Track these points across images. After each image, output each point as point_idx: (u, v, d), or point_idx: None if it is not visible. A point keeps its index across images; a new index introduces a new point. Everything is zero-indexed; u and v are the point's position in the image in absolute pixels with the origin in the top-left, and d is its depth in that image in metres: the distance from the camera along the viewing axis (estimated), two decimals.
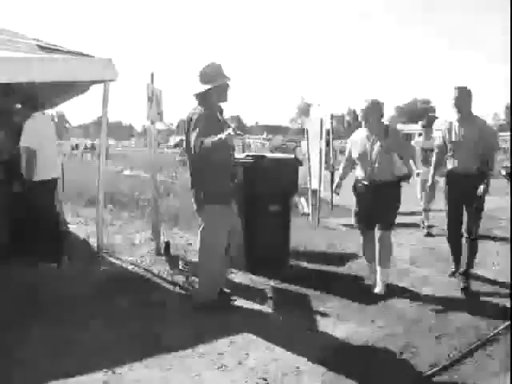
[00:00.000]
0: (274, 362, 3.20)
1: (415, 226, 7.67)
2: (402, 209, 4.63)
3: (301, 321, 3.91)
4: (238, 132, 3.68)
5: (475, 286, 4.76)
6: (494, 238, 6.93)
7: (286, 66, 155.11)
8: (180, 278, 4.89)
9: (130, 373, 3.07)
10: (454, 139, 4.79)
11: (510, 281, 4.75)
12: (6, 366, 3.07)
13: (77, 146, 37.23)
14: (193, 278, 4.83)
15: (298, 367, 3.13)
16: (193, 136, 3.80)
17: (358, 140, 4.67)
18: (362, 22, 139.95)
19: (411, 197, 6.87)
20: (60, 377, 2.98)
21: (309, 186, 8.39)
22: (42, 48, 5.22)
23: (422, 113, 63.63)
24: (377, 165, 4.47)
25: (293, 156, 6.22)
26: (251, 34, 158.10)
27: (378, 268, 4.59)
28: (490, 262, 5.65)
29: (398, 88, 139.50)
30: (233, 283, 4.84)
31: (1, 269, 4.73)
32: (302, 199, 9.25)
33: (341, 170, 5.00)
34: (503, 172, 11.04)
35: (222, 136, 3.56)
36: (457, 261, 4.90)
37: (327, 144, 8.84)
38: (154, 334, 3.59)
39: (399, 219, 4.81)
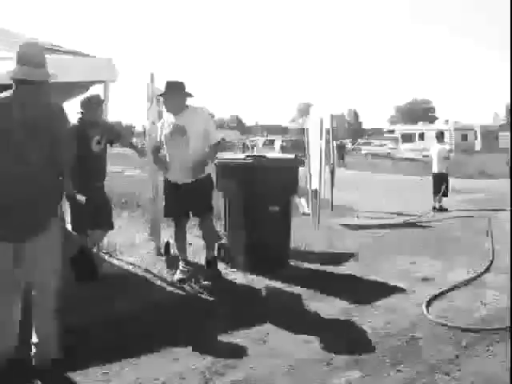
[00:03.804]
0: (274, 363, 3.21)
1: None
2: None
3: (301, 322, 3.91)
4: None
5: (476, 286, 4.77)
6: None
7: (286, 66, 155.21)
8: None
9: (129, 373, 3.06)
10: None
11: (510, 280, 4.75)
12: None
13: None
14: (192, 278, 4.84)
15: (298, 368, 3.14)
16: None
17: None
18: (361, 21, 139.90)
19: None
20: (60, 375, 2.98)
21: (309, 186, 8.39)
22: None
23: (422, 113, 63.58)
24: None
25: (293, 156, 6.22)
26: (251, 33, 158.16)
27: None
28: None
29: (397, 88, 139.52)
30: (233, 283, 4.85)
31: None
32: (302, 199, 9.25)
33: None
34: None
35: None
36: None
37: (327, 143, 8.84)
38: (153, 335, 3.59)
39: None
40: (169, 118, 4.93)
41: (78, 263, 4.73)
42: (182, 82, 4.82)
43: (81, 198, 4.50)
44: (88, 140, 4.74)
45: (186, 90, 4.83)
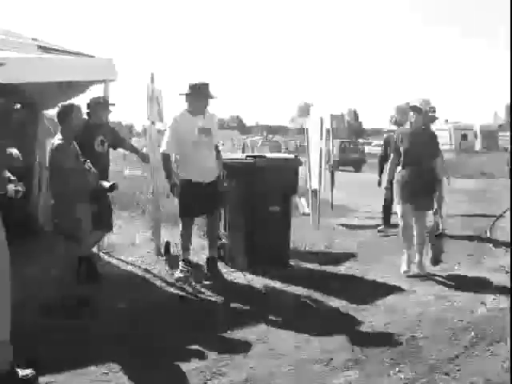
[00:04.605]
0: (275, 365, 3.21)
1: None
2: None
3: (301, 322, 3.91)
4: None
5: (475, 286, 4.77)
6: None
7: (286, 65, 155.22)
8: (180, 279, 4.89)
9: (129, 373, 3.06)
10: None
11: (509, 279, 4.75)
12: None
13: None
14: (192, 278, 4.85)
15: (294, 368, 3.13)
16: None
17: None
18: (361, 21, 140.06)
19: None
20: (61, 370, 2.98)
21: (309, 185, 8.38)
22: (42, 48, 5.23)
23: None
24: None
25: (293, 156, 6.23)
26: (251, 33, 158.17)
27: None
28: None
29: (397, 88, 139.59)
30: (233, 283, 4.85)
31: None
32: (302, 199, 9.25)
33: None
34: None
35: None
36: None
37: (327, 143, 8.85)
38: (153, 335, 3.59)
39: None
40: (186, 119, 4.90)
41: (84, 265, 4.74)
42: (208, 84, 4.92)
43: (105, 184, 4.49)
44: (92, 141, 4.77)
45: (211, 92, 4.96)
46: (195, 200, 4.86)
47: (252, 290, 4.64)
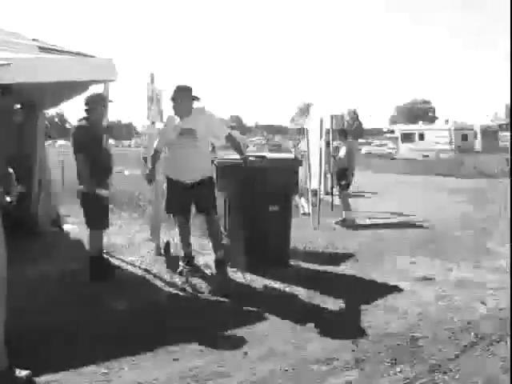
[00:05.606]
0: (275, 363, 3.21)
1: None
2: None
3: (301, 322, 3.91)
4: None
5: (476, 286, 4.77)
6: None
7: (286, 65, 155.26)
8: (180, 279, 4.89)
9: (129, 373, 3.06)
10: None
11: (510, 280, 4.74)
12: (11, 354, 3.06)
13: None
14: (193, 278, 4.85)
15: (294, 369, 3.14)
16: None
17: None
18: (361, 22, 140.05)
19: None
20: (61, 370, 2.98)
21: (309, 186, 8.39)
22: (42, 48, 5.23)
23: (421, 113, 63.61)
24: None
25: (293, 156, 6.23)
26: (251, 33, 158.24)
27: None
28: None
29: (397, 88, 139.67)
30: (233, 283, 4.84)
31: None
32: (302, 199, 9.25)
33: None
34: None
35: None
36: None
37: (327, 144, 8.86)
38: (153, 335, 3.59)
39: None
40: (173, 121, 5.03)
41: (97, 263, 4.83)
42: (190, 87, 4.99)
43: (104, 192, 4.52)
44: (100, 139, 4.83)
45: (193, 94, 4.99)
46: (176, 198, 5.02)
47: (252, 290, 4.64)
